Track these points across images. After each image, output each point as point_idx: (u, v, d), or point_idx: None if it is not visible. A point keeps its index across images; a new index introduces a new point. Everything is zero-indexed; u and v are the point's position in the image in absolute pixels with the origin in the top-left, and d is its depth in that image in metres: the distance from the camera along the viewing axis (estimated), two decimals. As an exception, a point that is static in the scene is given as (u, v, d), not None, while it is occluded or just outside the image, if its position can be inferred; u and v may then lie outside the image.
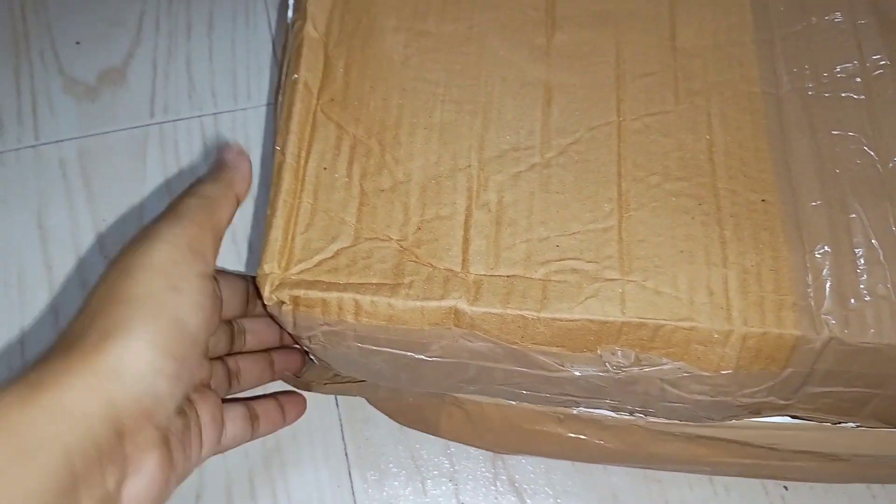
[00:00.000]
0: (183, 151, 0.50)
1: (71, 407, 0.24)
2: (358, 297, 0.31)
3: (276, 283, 0.31)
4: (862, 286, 0.30)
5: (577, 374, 0.32)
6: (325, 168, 0.34)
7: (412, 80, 0.35)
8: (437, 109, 0.35)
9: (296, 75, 0.35)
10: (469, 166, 0.33)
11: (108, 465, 0.25)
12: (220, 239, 0.32)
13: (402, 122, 0.35)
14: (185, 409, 0.30)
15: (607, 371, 0.31)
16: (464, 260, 0.32)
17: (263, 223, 0.33)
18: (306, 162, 0.34)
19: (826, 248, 0.31)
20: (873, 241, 0.31)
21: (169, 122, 0.51)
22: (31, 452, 0.23)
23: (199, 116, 0.51)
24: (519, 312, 0.30)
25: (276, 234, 0.32)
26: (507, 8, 0.37)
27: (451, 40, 0.36)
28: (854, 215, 0.32)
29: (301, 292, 0.31)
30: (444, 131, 0.34)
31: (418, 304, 0.30)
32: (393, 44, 0.36)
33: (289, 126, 0.34)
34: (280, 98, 0.36)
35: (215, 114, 0.51)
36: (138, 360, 0.26)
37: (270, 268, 0.31)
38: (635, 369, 0.31)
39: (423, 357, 0.32)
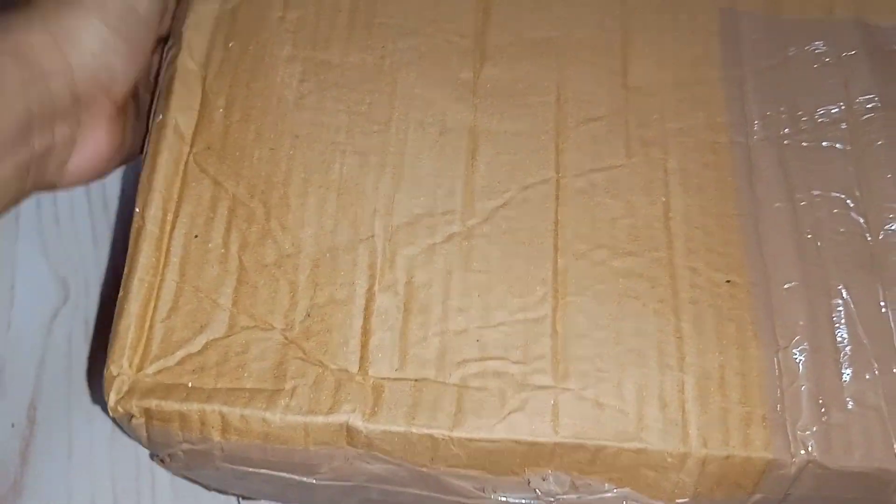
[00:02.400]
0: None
1: (33, 60, 0.26)
2: (225, 409, 0.24)
3: (125, 388, 0.25)
4: (847, 394, 0.25)
5: (503, 500, 0.26)
6: (195, 236, 0.27)
7: (307, 124, 0.29)
8: (336, 163, 0.28)
9: (163, 116, 0.29)
10: (373, 236, 0.27)
11: (61, 123, 0.27)
12: None
13: (293, 179, 0.28)
14: (137, 95, 0.31)
15: (538, 499, 0.25)
16: (362, 358, 0.25)
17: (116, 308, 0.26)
18: (172, 228, 0.27)
19: (804, 343, 0.26)
20: (861, 333, 0.26)
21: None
22: None
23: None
24: (427, 431, 0.24)
25: (127, 323, 0.26)
26: (427, 34, 0.31)
27: (358, 74, 0.30)
28: (838, 300, 0.26)
29: (154, 403, 0.24)
30: (343, 191, 0.28)
31: (301, 419, 0.24)
32: (286, 77, 0.30)
33: (152, 182, 0.28)
34: (145, 145, 0.29)
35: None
36: (92, 33, 0.27)
37: (118, 368, 0.25)
38: (572, 496, 0.25)
39: (312, 480, 0.26)
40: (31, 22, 0.27)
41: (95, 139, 0.29)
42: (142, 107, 0.31)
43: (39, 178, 0.27)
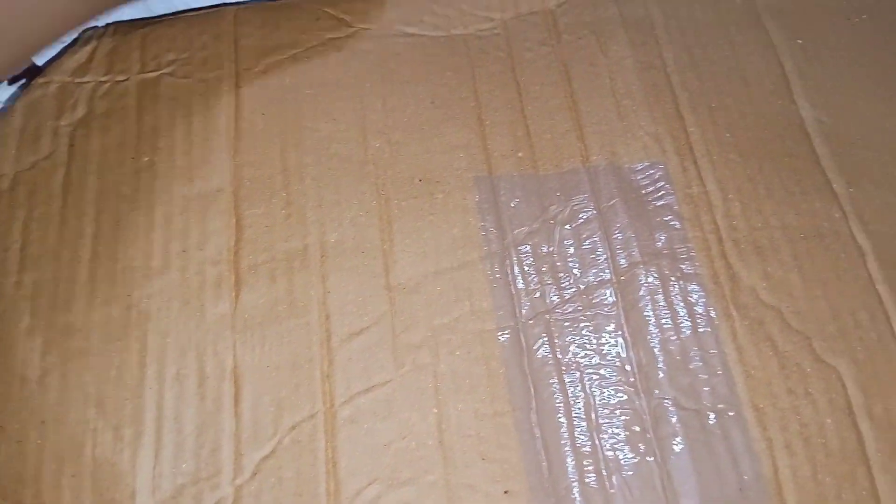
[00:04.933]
0: None
1: None
2: None
3: None
4: None
5: None
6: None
7: (53, 405, 0.27)
8: (87, 445, 0.27)
9: None
10: (134, 522, 0.26)
11: None
12: None
13: (44, 473, 0.26)
14: None
15: None
16: None
17: None
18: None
19: (588, 546, 0.25)
20: (643, 520, 0.26)
21: None
22: None
23: None
24: None
25: None
26: (177, 269, 0.30)
27: (104, 333, 0.28)
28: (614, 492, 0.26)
29: None
30: (98, 476, 0.26)
31: None
32: (27, 354, 0.28)
33: None
34: None
35: None
36: None
37: None
38: None
39: None
40: None
41: None
42: None
43: None
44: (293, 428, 0.27)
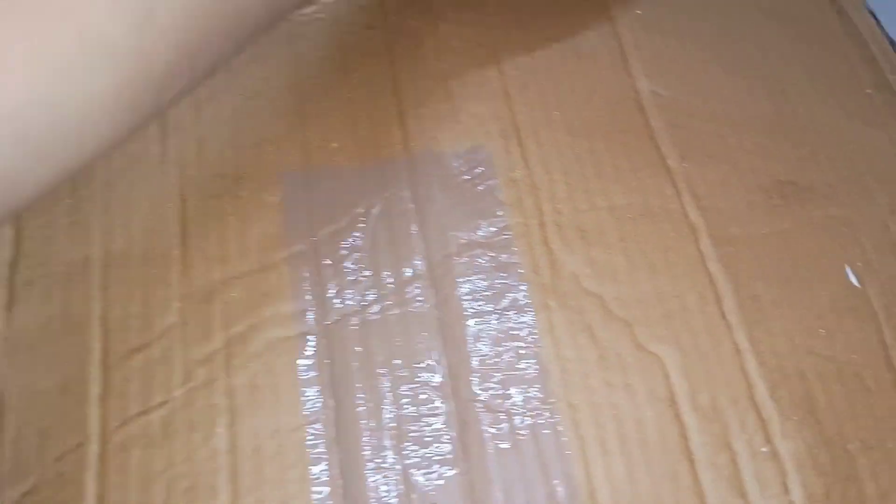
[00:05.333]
0: None
1: None
2: None
3: None
4: None
5: None
6: None
7: None
8: None
9: None
10: None
11: None
12: None
13: None
14: None
15: None
16: None
17: None
18: None
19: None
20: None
21: None
22: None
23: None
24: None
25: None
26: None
27: None
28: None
29: None
30: None
31: None
32: None
33: None
34: None
35: None
36: None
37: None
38: None
39: None
40: None
41: None
42: None
43: None
44: (58, 459, 0.24)
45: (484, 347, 0.26)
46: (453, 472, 0.24)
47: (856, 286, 0.27)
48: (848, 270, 0.27)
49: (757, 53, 0.32)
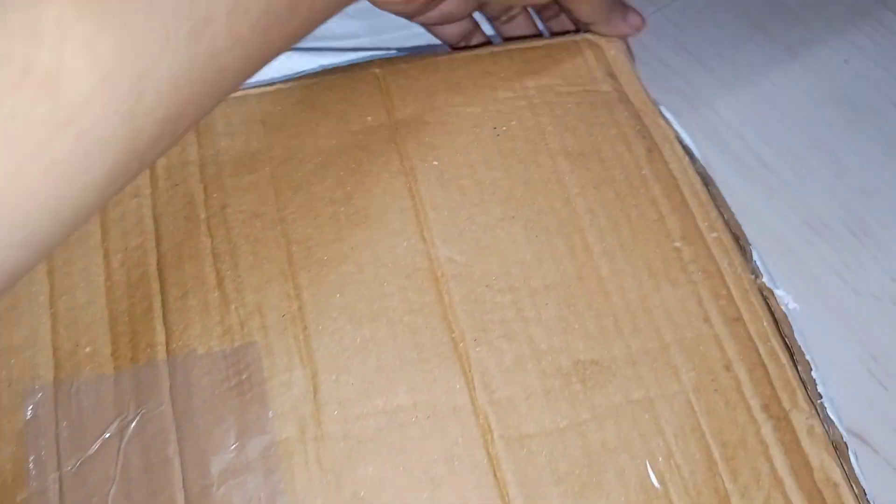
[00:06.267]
0: None
1: None
2: None
3: None
4: None
5: None
6: None
7: None
8: None
9: None
10: None
11: None
12: None
13: None
14: None
15: None
16: None
17: None
18: None
19: None
20: None
21: None
22: None
23: None
24: None
25: None
26: None
27: None
28: None
29: None
30: None
31: None
32: None
33: None
34: None
35: None
36: None
37: None
38: None
39: None
40: None
41: None
42: None
43: None
44: None
45: None
46: None
47: (656, 487, 0.25)
48: (648, 468, 0.25)
49: (562, 207, 0.30)
